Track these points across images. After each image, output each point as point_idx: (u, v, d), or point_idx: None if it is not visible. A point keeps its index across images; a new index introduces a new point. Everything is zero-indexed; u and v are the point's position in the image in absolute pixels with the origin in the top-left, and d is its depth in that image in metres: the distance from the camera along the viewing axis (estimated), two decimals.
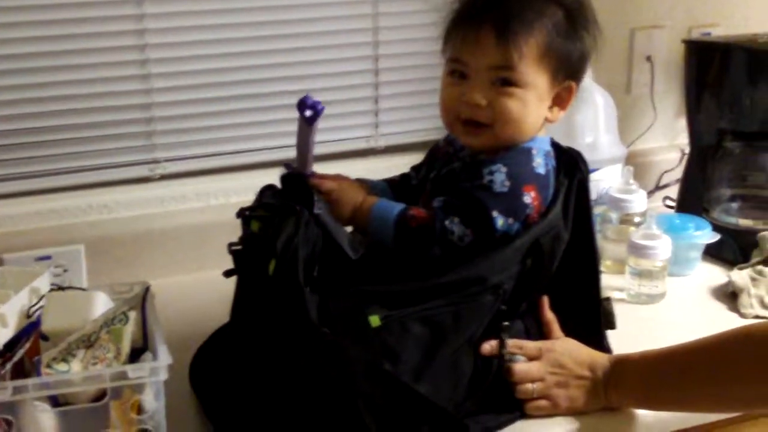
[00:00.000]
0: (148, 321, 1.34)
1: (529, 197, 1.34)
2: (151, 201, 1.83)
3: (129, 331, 1.28)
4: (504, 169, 1.33)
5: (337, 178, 1.39)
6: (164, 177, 1.87)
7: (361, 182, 1.44)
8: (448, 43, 1.39)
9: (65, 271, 1.71)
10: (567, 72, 1.38)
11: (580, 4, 1.39)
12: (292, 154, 1.86)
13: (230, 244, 1.29)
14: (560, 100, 1.40)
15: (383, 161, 1.95)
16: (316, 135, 1.33)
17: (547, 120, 1.40)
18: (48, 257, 1.71)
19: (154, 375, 1.22)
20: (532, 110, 1.35)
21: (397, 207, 1.33)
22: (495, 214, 1.31)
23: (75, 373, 1.20)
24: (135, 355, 1.31)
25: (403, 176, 1.52)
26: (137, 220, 1.81)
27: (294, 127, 1.90)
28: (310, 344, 1.20)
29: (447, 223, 1.29)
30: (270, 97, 1.91)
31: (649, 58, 2.13)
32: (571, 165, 1.41)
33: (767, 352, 1.20)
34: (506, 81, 1.34)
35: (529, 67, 1.33)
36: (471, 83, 1.35)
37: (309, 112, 1.30)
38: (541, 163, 1.37)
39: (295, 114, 1.90)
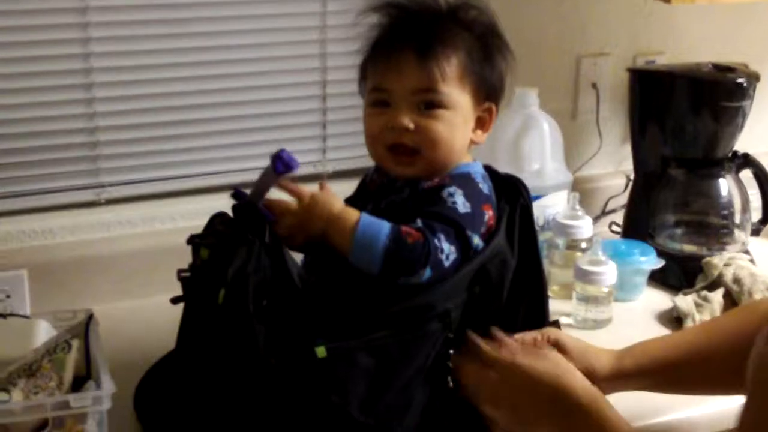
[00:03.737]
0: (92, 349, 1.33)
1: (488, 215, 1.34)
2: (97, 226, 1.81)
3: (72, 360, 1.27)
4: (460, 191, 1.33)
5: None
6: (110, 201, 1.85)
7: None
8: (366, 75, 1.40)
9: (8, 296, 1.68)
10: (487, 93, 1.39)
11: (490, 30, 1.40)
12: (239, 178, 1.87)
13: (179, 271, 1.28)
14: (482, 123, 1.41)
15: (332, 186, 1.94)
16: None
17: (472, 142, 1.41)
18: None
19: (97, 404, 1.21)
20: (459, 132, 1.36)
21: (386, 222, 1.28)
22: (469, 232, 1.30)
23: (16, 402, 1.19)
24: (78, 384, 1.30)
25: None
26: (82, 245, 1.79)
27: (240, 153, 1.91)
28: (257, 374, 1.20)
29: (436, 241, 1.27)
30: (217, 121, 1.89)
31: (594, 86, 2.15)
32: (512, 191, 1.41)
33: None
34: (431, 103, 1.34)
35: (452, 87, 1.34)
36: (396, 109, 1.35)
37: (281, 167, 1.24)
38: (484, 185, 1.38)
39: (242, 140, 1.91)
